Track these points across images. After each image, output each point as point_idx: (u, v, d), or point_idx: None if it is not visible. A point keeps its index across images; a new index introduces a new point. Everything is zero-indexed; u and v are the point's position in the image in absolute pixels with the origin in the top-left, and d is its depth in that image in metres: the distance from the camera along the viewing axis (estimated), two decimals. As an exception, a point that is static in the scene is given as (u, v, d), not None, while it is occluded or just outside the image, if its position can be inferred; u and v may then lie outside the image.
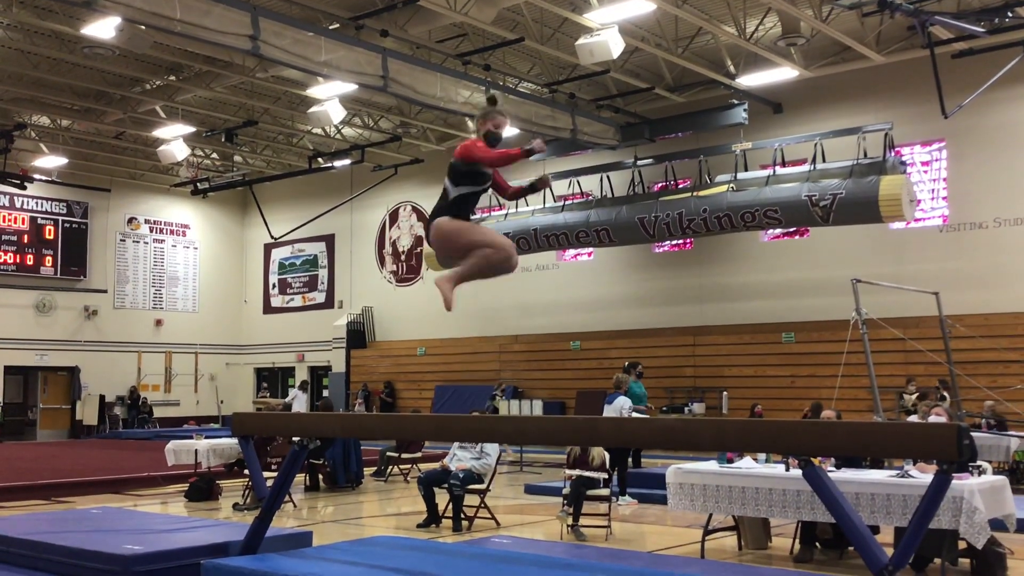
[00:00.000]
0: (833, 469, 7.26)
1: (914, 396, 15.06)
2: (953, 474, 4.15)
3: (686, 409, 19.53)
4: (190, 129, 21.55)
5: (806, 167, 16.10)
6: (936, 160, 18.45)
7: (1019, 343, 15.97)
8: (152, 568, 6.28)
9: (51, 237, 26.64)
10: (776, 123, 19.43)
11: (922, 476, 6.96)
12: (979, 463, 7.02)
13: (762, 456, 8.09)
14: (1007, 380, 14.37)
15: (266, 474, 8.90)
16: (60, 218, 26.88)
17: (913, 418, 12.48)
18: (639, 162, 18.64)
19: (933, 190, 18.41)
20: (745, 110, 18.09)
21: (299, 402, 21.93)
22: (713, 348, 20.43)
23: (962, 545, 6.91)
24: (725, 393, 18.90)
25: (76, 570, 6.39)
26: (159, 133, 21.72)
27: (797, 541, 7.94)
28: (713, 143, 18.61)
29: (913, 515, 4.21)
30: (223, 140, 22.67)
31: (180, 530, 7.41)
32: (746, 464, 7.96)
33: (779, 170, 16.41)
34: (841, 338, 14.51)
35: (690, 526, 9.17)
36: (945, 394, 14.21)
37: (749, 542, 8.25)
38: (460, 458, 9.66)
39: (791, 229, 18.72)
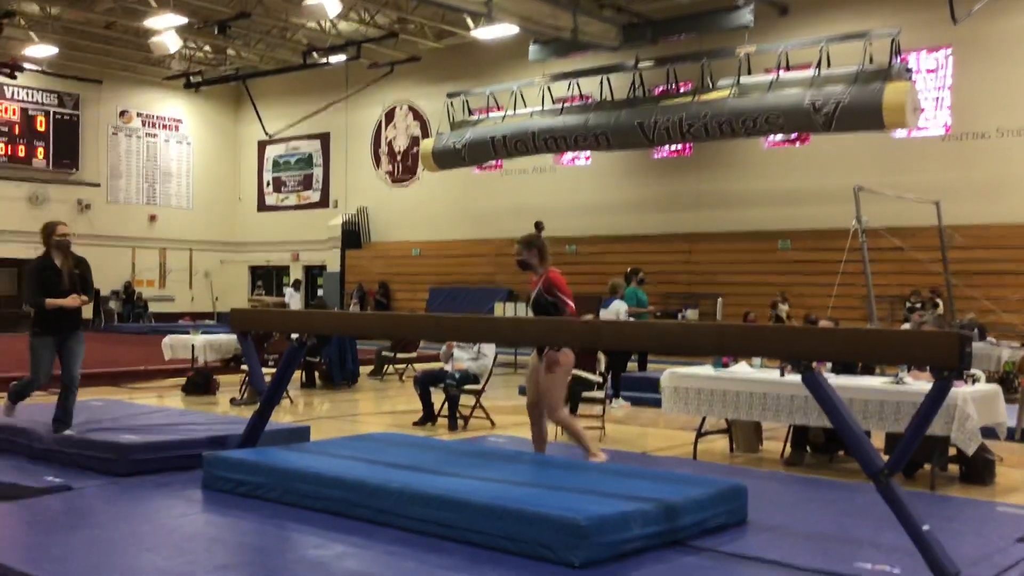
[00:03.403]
0: (830, 375, 7.31)
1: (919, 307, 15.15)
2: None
3: (680, 315, 19.61)
4: (182, 20, 21.04)
5: (810, 72, 15.84)
6: (942, 67, 18.19)
7: (1017, 255, 15.98)
8: (150, 457, 6.36)
9: (42, 129, 26.31)
10: (782, 26, 19.05)
11: (915, 383, 7.03)
12: (973, 371, 7.07)
13: (757, 361, 8.15)
14: (1003, 291, 14.42)
15: (263, 370, 8.93)
16: (51, 109, 26.51)
17: (905, 326, 12.57)
18: (640, 64, 18.30)
19: (937, 98, 18.19)
20: (751, 12, 17.70)
21: (294, 301, 22.00)
22: (709, 255, 20.44)
23: (952, 452, 7.02)
24: (720, 300, 18.96)
25: (75, 459, 6.47)
26: (150, 23, 21.21)
27: (788, 445, 8.05)
28: (717, 46, 18.25)
29: (912, 421, 4.25)
30: (216, 32, 22.18)
31: (179, 423, 7.49)
32: (741, 369, 8.02)
33: (783, 75, 16.15)
34: (837, 247, 14.50)
35: (682, 428, 9.29)
36: (938, 301, 14.27)
37: (740, 445, 8.37)
38: (457, 358, 9.72)
39: (792, 136, 18.54)
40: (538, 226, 6.61)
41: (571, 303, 6.39)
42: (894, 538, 4.57)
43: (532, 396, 6.53)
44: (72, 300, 6.88)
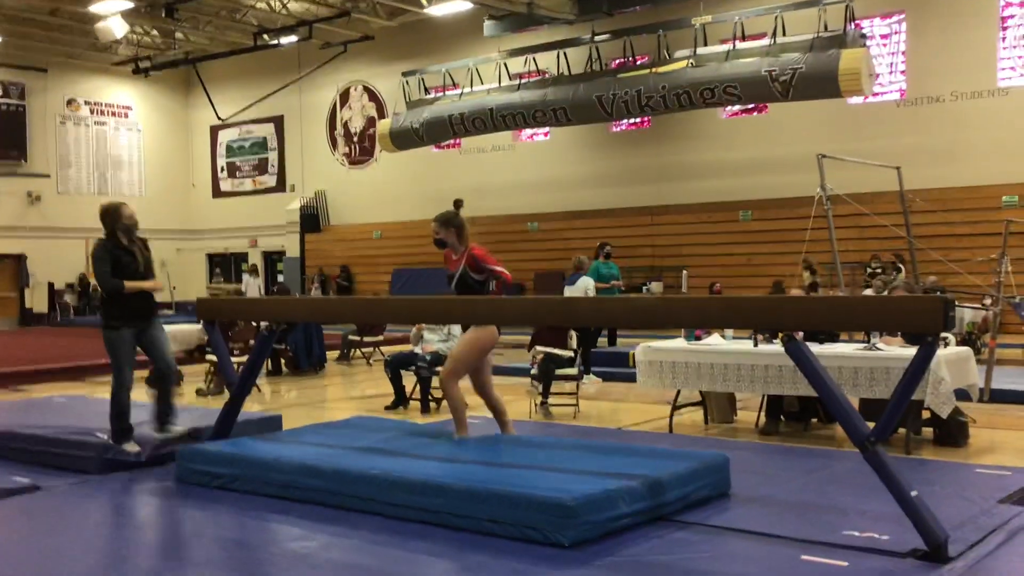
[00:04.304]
0: (811, 344, 7.32)
1: (868, 272, 15.28)
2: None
3: (644, 288, 19.67)
4: (128, 4, 20.56)
5: (766, 41, 15.84)
6: (895, 33, 18.29)
7: (974, 216, 16.16)
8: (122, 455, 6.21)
9: (-13, 120, 25.67)
10: (736, -4, 19.03)
11: (889, 348, 7.07)
12: (945, 335, 7.11)
13: (729, 332, 8.16)
14: (961, 254, 14.57)
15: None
16: (-5, 100, 25.86)
17: (868, 292, 12.67)
18: (596, 38, 18.19)
19: (891, 64, 18.31)
20: (706, -19, 17.65)
21: (251, 288, 21.73)
22: (671, 227, 20.47)
23: (926, 415, 7.07)
24: (685, 272, 19.03)
25: (47, 458, 6.31)
26: (96, 8, 20.71)
27: (762, 414, 8.08)
28: (672, 17, 18.18)
29: (897, 387, 4.25)
30: (163, 16, 21.72)
31: (147, 417, 7.32)
32: (714, 341, 8.02)
33: (739, 45, 16.12)
34: (798, 215, 14.58)
35: (655, 402, 9.28)
36: (900, 266, 14.41)
37: (715, 416, 8.38)
38: (428, 340, 9.62)
39: (750, 106, 18.57)
40: (457, 204, 6.53)
41: (502, 270, 6.19)
42: (879, 505, 4.59)
43: (473, 376, 6.37)
44: (156, 283, 6.46)
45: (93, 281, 26.97)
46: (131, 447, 6.18)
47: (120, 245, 6.31)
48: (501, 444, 6.00)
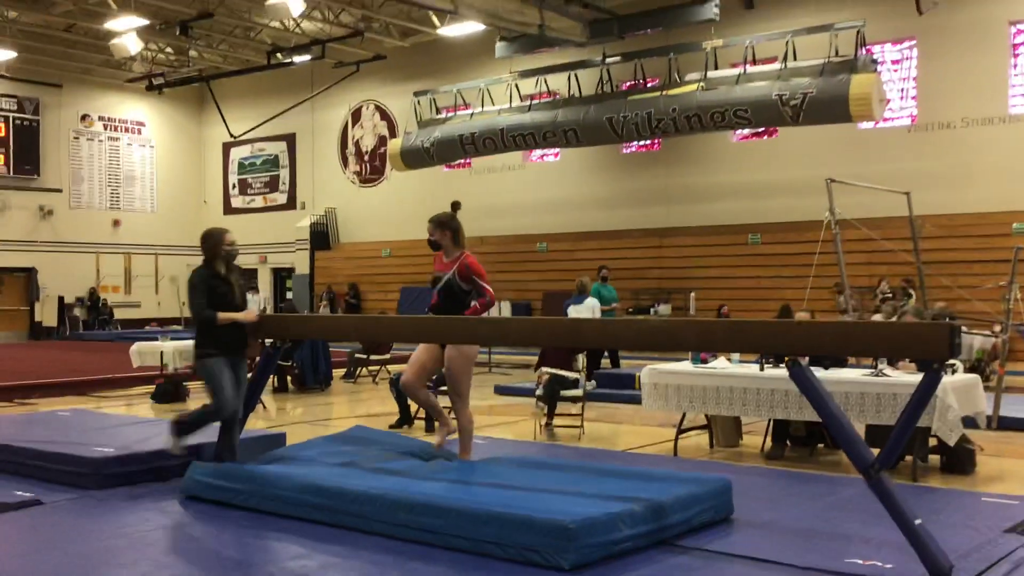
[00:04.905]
0: (816, 369, 7.29)
1: (877, 297, 15.21)
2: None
3: (652, 310, 19.62)
4: (143, 21, 20.72)
5: (777, 65, 15.87)
6: (907, 59, 18.30)
7: (984, 243, 16.11)
8: (124, 471, 6.21)
9: (2, 134, 25.84)
10: (748, 20, 19.09)
11: (896, 375, 7.02)
12: (952, 361, 7.06)
13: (735, 356, 8.12)
14: (970, 280, 14.50)
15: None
16: (11, 115, 26.04)
17: (877, 317, 12.61)
18: (607, 60, 18.24)
19: (903, 89, 18.31)
20: (716, 6, 17.67)
21: (251, 305, 21.78)
22: (679, 250, 20.45)
23: (933, 442, 7.01)
24: (693, 294, 18.99)
25: (46, 473, 6.30)
26: (111, 25, 20.87)
27: (768, 438, 8.03)
28: (683, 40, 18.24)
29: (902, 414, 4.21)
30: (178, 33, 21.87)
31: (151, 433, 7.31)
32: (720, 364, 7.99)
33: (750, 68, 16.15)
34: (806, 239, 14.54)
35: (661, 425, 9.24)
36: (911, 292, 14.35)
37: (721, 440, 8.33)
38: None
39: (760, 129, 18.57)
40: (454, 206, 6.47)
41: (490, 288, 6.14)
42: (883, 532, 4.54)
43: (414, 375, 6.29)
44: (249, 315, 6.20)
45: (103, 295, 27.15)
46: (178, 447, 6.07)
47: (218, 274, 6.13)
48: (504, 466, 5.97)
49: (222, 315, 6.02)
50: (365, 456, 6.11)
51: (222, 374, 5.99)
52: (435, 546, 4.64)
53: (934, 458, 7.22)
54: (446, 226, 6.23)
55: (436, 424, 9.37)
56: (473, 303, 6.08)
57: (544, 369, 9.30)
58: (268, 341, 6.43)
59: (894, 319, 10.46)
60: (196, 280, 6.09)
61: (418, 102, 20.28)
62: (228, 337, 6.06)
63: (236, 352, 6.13)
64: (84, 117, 27.71)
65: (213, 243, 6.14)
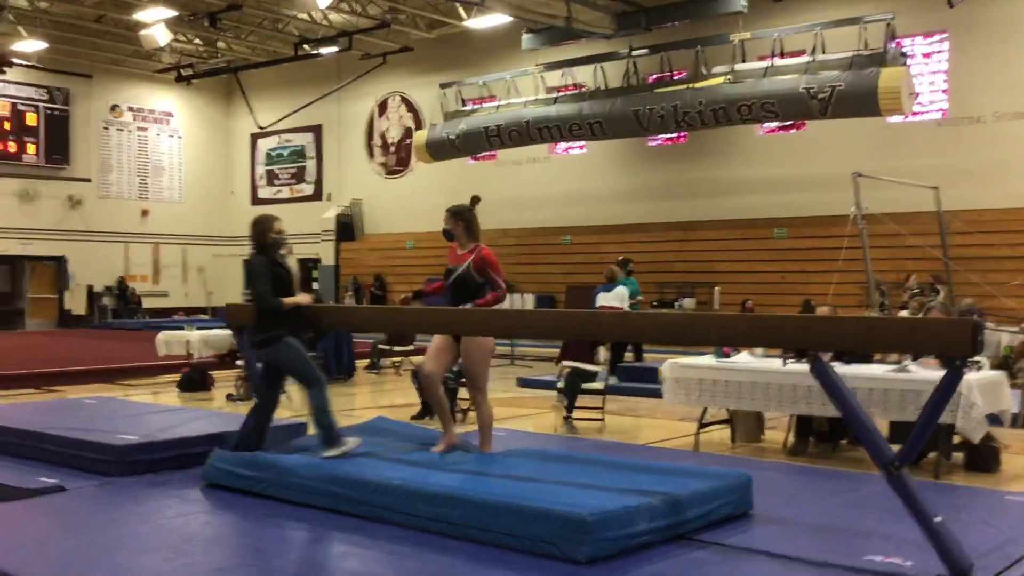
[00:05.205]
0: (837, 364, 7.23)
1: (905, 293, 15.06)
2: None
3: (676, 304, 19.55)
4: (172, 13, 20.85)
5: (805, 58, 15.74)
6: (937, 52, 18.09)
7: (1013, 239, 15.91)
8: (147, 458, 6.27)
9: (33, 124, 26.10)
10: (776, 12, 18.92)
11: (920, 371, 6.96)
12: (977, 358, 6.99)
13: (759, 351, 8.07)
14: (999, 276, 14.34)
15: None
16: (41, 104, 26.30)
17: (904, 313, 12.50)
18: (634, 52, 18.17)
19: (933, 83, 18.10)
20: (745, -3, 17.58)
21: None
22: (704, 243, 20.35)
23: (957, 439, 6.95)
24: (717, 288, 18.91)
25: (71, 460, 6.36)
26: (140, 16, 21.02)
27: (792, 434, 7.98)
28: (711, 32, 18.13)
29: (923, 410, 4.16)
30: (206, 25, 21.99)
31: (175, 421, 7.39)
32: (742, 359, 7.94)
33: (777, 61, 16.04)
34: (832, 234, 14.42)
35: (682, 419, 9.21)
36: (939, 288, 14.21)
37: (742, 435, 8.30)
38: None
39: (787, 123, 18.43)
40: (474, 200, 6.44)
41: (502, 283, 6.10)
42: (904, 529, 4.50)
43: (436, 366, 6.20)
44: (306, 298, 6.24)
45: (131, 284, 27.38)
46: (343, 449, 5.82)
47: (277, 261, 6.12)
48: (522, 458, 5.97)
49: (286, 301, 6.01)
50: (385, 447, 6.13)
51: (299, 347, 6.01)
52: (452, 537, 4.66)
53: (958, 455, 7.16)
54: (460, 216, 6.22)
55: (459, 417, 9.41)
56: (485, 295, 6.04)
57: (565, 362, 9.30)
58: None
59: (920, 315, 10.36)
60: (260, 268, 6.03)
61: (444, 94, 20.29)
62: (290, 321, 6.04)
63: (296, 335, 6.12)
64: (113, 107, 27.94)
65: (261, 230, 6.10)
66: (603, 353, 9.40)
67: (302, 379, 6.04)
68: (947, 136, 17.71)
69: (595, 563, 4.26)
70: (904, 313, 12.43)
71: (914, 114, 16.97)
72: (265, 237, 6.09)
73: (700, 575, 4.19)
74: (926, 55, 18.16)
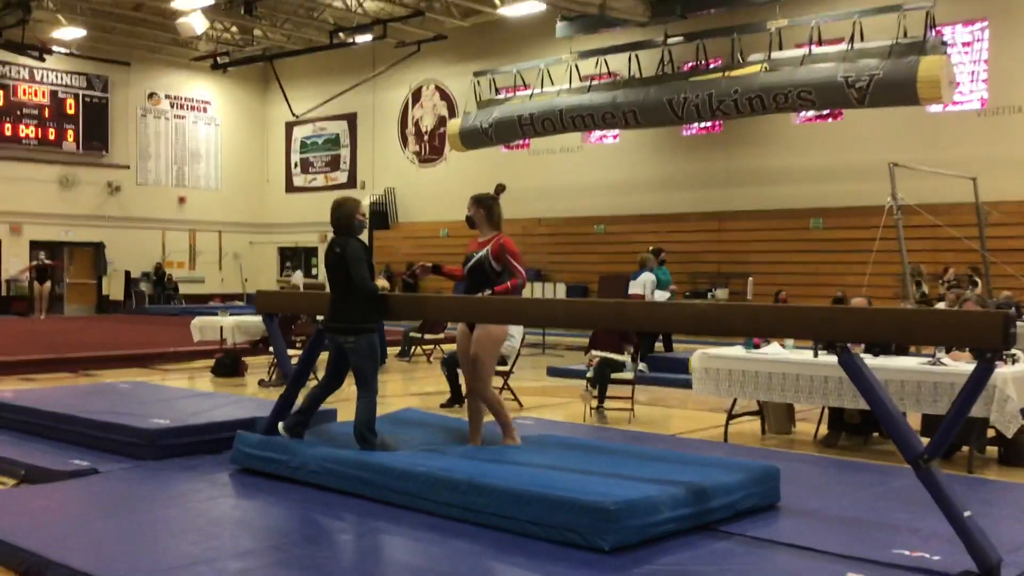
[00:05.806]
0: (866, 356, 7.15)
1: (943, 285, 14.88)
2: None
3: (709, 294, 19.45)
4: (209, 1, 21.00)
5: (843, 46, 15.54)
6: (977, 41, 17.80)
7: (1054, 231, 15.66)
8: (178, 442, 6.34)
9: (72, 111, 26.43)
10: None
11: (954, 364, 6.86)
12: (1013, 351, 6.88)
13: (789, 342, 8.00)
14: (1039, 269, 14.12)
15: (290, 352, 8.90)
16: (80, 92, 26.62)
17: (941, 305, 12.34)
18: (669, 40, 18.03)
19: (973, 72, 17.81)
20: (782, -15, 17.37)
21: (298, 279, 22.68)
22: (739, 234, 20.20)
23: (991, 433, 6.85)
24: (751, 279, 18.76)
25: (103, 443, 6.46)
26: (177, 4, 21.19)
27: (823, 426, 7.92)
28: (747, 20, 17.95)
29: (953, 403, 4.11)
30: (242, 12, 22.13)
31: (206, 406, 7.46)
32: (773, 350, 7.88)
33: (815, 49, 15.85)
34: (869, 224, 14.25)
35: (712, 410, 9.16)
36: (977, 280, 14.01)
37: (772, 427, 8.24)
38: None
39: (824, 111, 18.23)
40: (498, 188, 6.42)
41: (522, 270, 6.08)
42: (933, 524, 4.46)
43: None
44: (385, 283, 6.04)
45: (168, 270, 27.66)
46: (384, 446, 5.72)
47: (365, 245, 5.96)
48: (549, 447, 5.98)
49: (378, 283, 5.86)
50: (412, 434, 6.16)
51: (377, 349, 5.89)
52: (477, 524, 4.67)
53: (991, 449, 7.06)
54: (481, 203, 6.23)
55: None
56: (506, 282, 6.00)
57: (594, 352, 9.28)
58: (320, 317, 6.48)
59: (956, 308, 10.22)
60: (361, 253, 5.82)
61: (478, 82, 20.27)
62: (381, 307, 5.90)
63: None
64: (151, 95, 28.21)
65: (348, 212, 5.93)
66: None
67: (364, 382, 5.80)
68: (986, 126, 17.43)
69: (619, 552, 4.25)
70: (941, 305, 12.27)
71: (954, 103, 16.73)
72: (352, 220, 5.91)
73: (723, 565, 4.17)
74: (966, 44, 17.87)
